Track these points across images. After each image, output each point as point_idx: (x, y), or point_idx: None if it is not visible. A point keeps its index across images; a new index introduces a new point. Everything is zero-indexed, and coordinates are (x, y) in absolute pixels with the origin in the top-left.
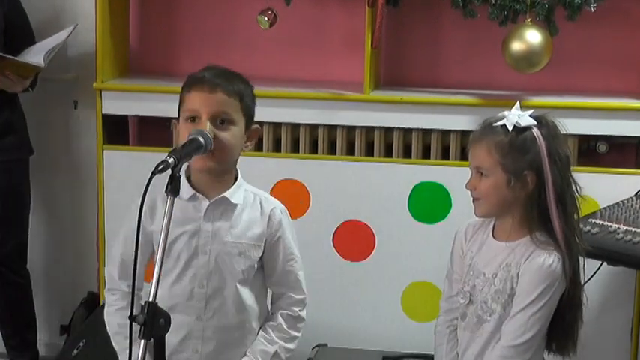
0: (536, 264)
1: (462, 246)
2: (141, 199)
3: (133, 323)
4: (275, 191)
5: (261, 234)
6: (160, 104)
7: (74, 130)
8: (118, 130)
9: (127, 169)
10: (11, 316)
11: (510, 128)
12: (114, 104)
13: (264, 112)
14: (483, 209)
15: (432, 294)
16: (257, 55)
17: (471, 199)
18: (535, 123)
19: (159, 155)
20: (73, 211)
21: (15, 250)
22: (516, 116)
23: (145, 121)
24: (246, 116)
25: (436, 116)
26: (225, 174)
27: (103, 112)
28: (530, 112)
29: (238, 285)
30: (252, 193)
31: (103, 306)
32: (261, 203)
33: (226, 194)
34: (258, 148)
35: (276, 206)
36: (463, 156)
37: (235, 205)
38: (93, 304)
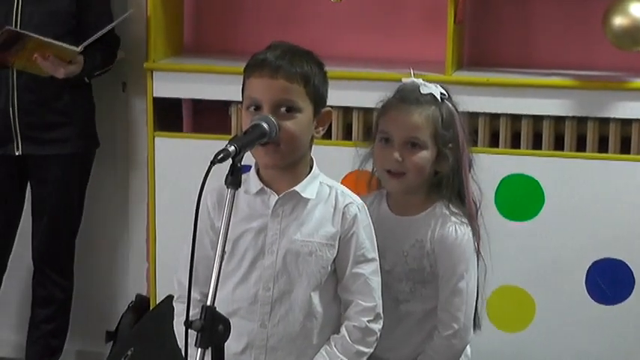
0: (449, 240)
1: None
2: (198, 192)
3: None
4: (345, 183)
5: (335, 232)
6: (218, 86)
7: (122, 114)
8: (170, 115)
9: (180, 158)
10: (46, 320)
11: (439, 98)
12: (166, 86)
13: (333, 96)
14: (406, 184)
15: (521, 300)
16: (326, 31)
17: (385, 172)
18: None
19: (216, 143)
20: (121, 205)
21: (65, 251)
22: (433, 85)
23: (200, 105)
24: (314, 100)
25: (527, 100)
26: (296, 164)
27: (155, 95)
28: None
29: (308, 289)
30: (327, 185)
31: (153, 310)
32: (336, 197)
33: (297, 188)
34: (327, 135)
35: (353, 201)
36: (557, 145)
37: (307, 200)
38: (142, 308)
